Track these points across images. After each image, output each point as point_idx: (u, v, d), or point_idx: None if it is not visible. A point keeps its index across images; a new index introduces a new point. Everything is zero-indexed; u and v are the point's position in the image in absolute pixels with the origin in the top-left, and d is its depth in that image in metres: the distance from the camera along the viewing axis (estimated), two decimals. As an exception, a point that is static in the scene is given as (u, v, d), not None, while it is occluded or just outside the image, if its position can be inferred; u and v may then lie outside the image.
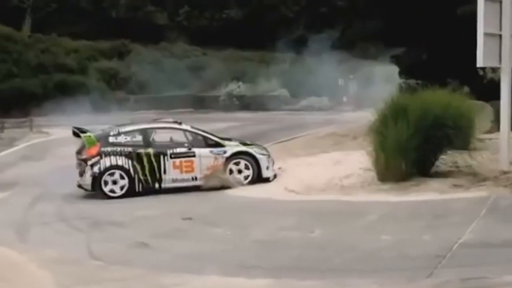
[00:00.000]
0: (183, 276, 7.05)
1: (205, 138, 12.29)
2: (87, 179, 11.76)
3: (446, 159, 11.57)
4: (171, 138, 12.31)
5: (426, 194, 10.34)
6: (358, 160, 11.99)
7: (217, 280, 6.80)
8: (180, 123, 12.57)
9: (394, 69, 20.90)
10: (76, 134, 12.24)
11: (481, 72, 15.72)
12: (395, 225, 8.69)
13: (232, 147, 12.28)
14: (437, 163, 11.58)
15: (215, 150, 12.11)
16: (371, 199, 10.39)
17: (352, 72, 32.14)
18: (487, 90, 14.46)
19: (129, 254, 8.06)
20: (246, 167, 12.12)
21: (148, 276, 7.14)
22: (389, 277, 6.63)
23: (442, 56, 16.61)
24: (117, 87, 35.04)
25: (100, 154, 11.74)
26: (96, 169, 11.70)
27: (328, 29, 32.56)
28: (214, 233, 8.94)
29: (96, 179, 11.69)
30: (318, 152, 14.58)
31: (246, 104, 32.54)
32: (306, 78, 30.81)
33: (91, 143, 11.87)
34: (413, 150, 10.98)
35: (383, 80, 24.44)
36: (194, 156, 12.00)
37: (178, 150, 12.03)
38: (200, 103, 33.59)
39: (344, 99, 31.40)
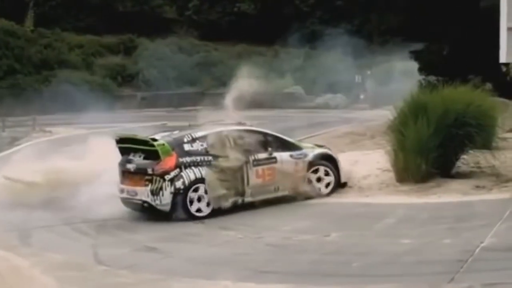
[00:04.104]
0: (194, 281, 6.88)
1: (281, 140, 10.68)
2: (166, 198, 9.64)
3: (468, 159, 11.50)
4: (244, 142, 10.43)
5: (447, 195, 10.22)
6: (376, 160, 11.94)
7: (230, 285, 6.62)
8: (245, 124, 10.96)
9: (414, 65, 20.67)
10: (123, 141, 10.28)
11: (504, 68, 15.46)
12: (415, 229, 8.52)
13: (311, 150, 10.85)
14: (459, 163, 11.50)
15: (294, 153, 10.58)
16: (389, 201, 10.27)
17: (370, 68, 31.78)
18: (511, 86, 14.21)
19: (137, 259, 7.90)
20: (326, 173, 10.74)
21: (157, 281, 6.98)
22: (409, 282, 6.45)
23: (464, 52, 16.44)
24: (124, 84, 34.77)
25: (179, 166, 9.77)
26: (179, 184, 9.65)
27: (345, 23, 32.16)
28: (226, 237, 8.76)
29: (180, 197, 9.67)
30: (334, 152, 14.32)
31: (258, 101, 31.92)
32: (321, 74, 30.50)
33: (167, 153, 9.78)
34: (433, 149, 10.89)
35: (402, 76, 24.11)
36: (275, 162, 10.35)
37: (260, 155, 10.29)
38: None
39: (361, 96, 31.09)
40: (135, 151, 10.14)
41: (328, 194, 10.70)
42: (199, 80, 34.59)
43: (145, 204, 9.83)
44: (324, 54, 31.11)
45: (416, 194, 10.43)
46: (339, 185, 10.89)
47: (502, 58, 10.66)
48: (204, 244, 8.44)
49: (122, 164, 10.22)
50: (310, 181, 10.58)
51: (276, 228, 8.98)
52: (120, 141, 10.35)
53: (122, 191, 10.10)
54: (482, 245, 7.34)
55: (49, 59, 33.43)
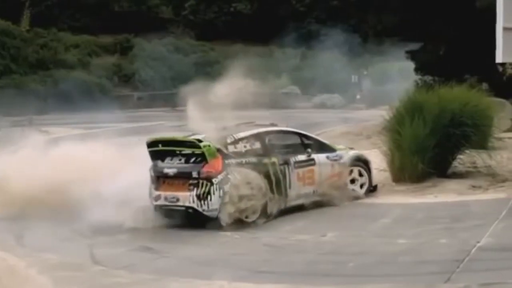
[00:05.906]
0: (191, 281, 6.84)
1: (316, 141, 10.37)
2: (214, 203, 8.97)
3: (464, 159, 11.54)
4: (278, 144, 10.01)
5: (443, 195, 10.22)
6: (372, 160, 11.78)
7: (226, 285, 6.61)
8: (276, 125, 10.62)
9: (410, 65, 20.70)
10: (155, 144, 9.52)
11: (500, 68, 15.49)
12: (411, 228, 8.51)
13: (345, 151, 10.57)
14: (455, 163, 11.55)
15: (330, 155, 10.24)
16: (386, 201, 10.25)
17: (366, 68, 31.86)
18: (507, 86, 14.27)
19: (134, 259, 7.86)
20: (361, 175, 10.48)
21: (154, 281, 6.94)
22: (405, 282, 6.43)
23: (460, 52, 16.46)
24: (120, 84, 34.80)
25: (226, 169, 9.17)
26: (227, 187, 9.03)
27: (341, 23, 32.19)
28: (223, 237, 8.73)
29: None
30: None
31: (254, 101, 31.95)
32: (318, 74, 30.58)
33: (213, 155, 9.13)
34: (429, 149, 10.90)
35: (398, 76, 24.17)
36: (314, 164, 9.96)
37: (300, 157, 9.86)
38: (208, 101, 33.30)
39: (358, 96, 31.17)
40: (172, 154, 9.37)
41: (363, 197, 10.44)
42: (196, 80, 34.60)
43: (190, 210, 9.11)
44: (321, 54, 31.15)
45: (413, 194, 10.44)
46: (370, 188, 10.61)
47: (498, 58, 10.63)
48: (201, 244, 8.38)
49: (157, 169, 9.41)
50: (345, 184, 10.30)
51: (273, 228, 8.94)
52: (152, 144, 9.56)
53: (157, 198, 9.28)
54: (479, 245, 7.33)
55: (45, 59, 33.46)
